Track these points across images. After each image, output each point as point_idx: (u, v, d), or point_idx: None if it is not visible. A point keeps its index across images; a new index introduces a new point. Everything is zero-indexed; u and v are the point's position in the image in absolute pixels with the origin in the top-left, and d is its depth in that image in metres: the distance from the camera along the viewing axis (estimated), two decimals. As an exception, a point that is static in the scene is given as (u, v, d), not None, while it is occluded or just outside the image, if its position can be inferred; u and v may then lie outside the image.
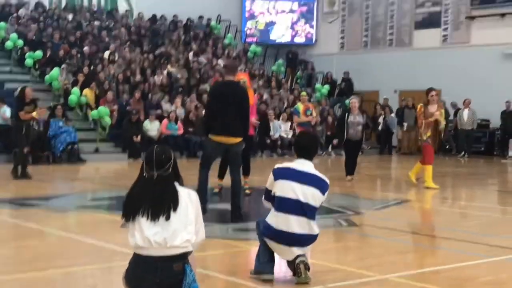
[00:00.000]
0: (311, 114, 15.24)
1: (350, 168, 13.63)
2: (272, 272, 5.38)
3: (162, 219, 4.12)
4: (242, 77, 10.84)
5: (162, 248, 4.10)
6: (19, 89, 13.14)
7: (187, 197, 4.25)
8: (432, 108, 12.40)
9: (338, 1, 27.71)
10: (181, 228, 4.14)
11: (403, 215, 9.75)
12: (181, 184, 4.33)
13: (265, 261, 5.40)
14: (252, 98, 10.56)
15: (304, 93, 16.45)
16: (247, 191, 11.00)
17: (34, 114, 12.54)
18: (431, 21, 24.94)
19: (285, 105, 22.88)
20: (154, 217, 4.14)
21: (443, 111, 12.67)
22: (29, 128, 12.82)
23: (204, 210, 7.70)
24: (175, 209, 4.15)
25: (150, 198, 4.17)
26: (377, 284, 5.44)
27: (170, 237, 4.10)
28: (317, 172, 5.45)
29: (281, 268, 5.45)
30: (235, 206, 8.35)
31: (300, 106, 15.33)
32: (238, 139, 8.34)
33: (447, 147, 22.59)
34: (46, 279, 5.41)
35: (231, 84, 8.45)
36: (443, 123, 12.54)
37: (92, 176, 13.97)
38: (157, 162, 4.21)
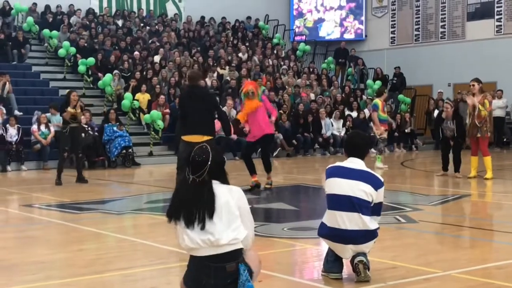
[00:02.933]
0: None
1: (447, 164, 13.33)
2: (340, 271, 5.33)
3: (198, 227, 4.07)
4: (249, 87, 11.28)
5: (212, 247, 4.06)
6: (67, 92, 13.40)
7: (228, 193, 4.14)
8: (475, 99, 12.41)
9: (387, -5, 27.39)
10: (224, 227, 4.08)
11: (462, 210, 9.54)
12: (225, 183, 4.21)
13: (332, 260, 5.36)
14: (256, 103, 11.00)
15: (383, 88, 15.86)
16: (267, 186, 11.27)
17: (69, 108, 12.53)
18: (484, 12, 24.43)
19: (336, 102, 22.70)
20: (188, 224, 4.10)
21: (486, 101, 12.46)
22: (75, 132, 12.78)
23: None
24: (210, 216, 4.07)
25: (186, 204, 4.12)
26: (440, 281, 5.29)
27: (215, 238, 4.05)
28: (368, 169, 5.35)
29: (350, 266, 5.36)
30: None
31: (379, 102, 14.74)
32: (206, 137, 8.93)
33: (505, 140, 22.07)
34: (105, 282, 5.44)
35: (198, 89, 9.49)
36: (481, 110, 12.35)
37: (146, 179, 14.07)
38: (192, 166, 4.13)
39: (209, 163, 4.12)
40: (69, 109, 12.49)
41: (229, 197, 4.14)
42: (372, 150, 15.50)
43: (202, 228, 4.06)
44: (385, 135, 15.01)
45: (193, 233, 4.10)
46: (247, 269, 4.09)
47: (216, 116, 10.24)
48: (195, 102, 9.18)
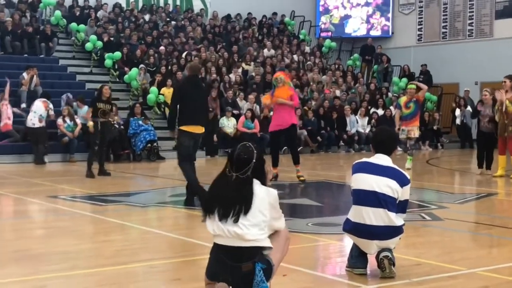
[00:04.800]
0: (414, 105, 14.03)
1: (482, 161, 13.21)
2: (364, 267, 5.31)
3: (231, 220, 4.16)
4: (278, 74, 11.94)
5: (235, 239, 4.15)
6: (100, 86, 13.51)
7: (266, 195, 4.23)
8: (507, 95, 12.34)
9: (414, -8, 27.19)
10: (253, 225, 4.17)
11: (488, 209, 9.45)
12: (264, 184, 4.30)
13: (357, 255, 5.34)
14: (287, 93, 11.36)
15: (411, 85, 14.55)
16: (302, 178, 11.47)
17: (90, 124, 12.90)
18: (512, 10, 24.15)
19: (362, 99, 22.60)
20: (222, 218, 4.19)
21: None
22: (105, 127, 12.87)
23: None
24: (245, 213, 4.15)
25: (224, 199, 4.20)
26: (465, 278, 5.26)
27: (242, 232, 4.14)
28: (395, 166, 5.33)
29: (374, 262, 5.34)
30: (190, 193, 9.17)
31: (402, 99, 14.45)
32: (203, 129, 9.09)
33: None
34: (130, 272, 5.48)
35: (198, 80, 9.43)
36: (510, 107, 12.27)
37: (171, 173, 14.10)
38: (236, 164, 4.22)
39: (253, 161, 4.21)
40: (90, 124, 12.75)
41: (266, 198, 4.22)
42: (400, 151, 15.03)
43: (236, 221, 4.14)
44: (402, 136, 14.11)
45: (222, 224, 4.19)
46: (263, 269, 4.14)
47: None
48: (197, 92, 9.07)
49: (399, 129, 13.96)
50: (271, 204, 4.24)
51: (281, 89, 11.36)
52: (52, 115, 16.16)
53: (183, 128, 9.01)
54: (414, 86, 14.33)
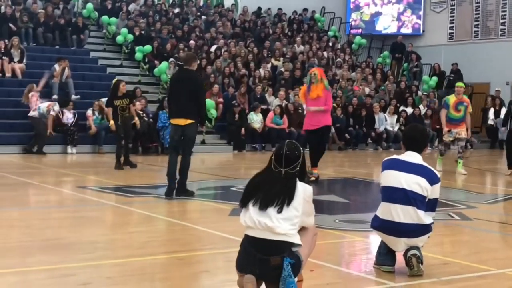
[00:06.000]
0: (464, 110, 12.89)
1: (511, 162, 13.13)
2: (392, 264, 5.29)
3: (270, 209, 4.22)
4: (313, 70, 11.59)
5: (265, 231, 4.21)
6: (114, 81, 13.47)
7: (302, 191, 4.33)
8: None
9: (447, -10, 26.94)
10: (286, 219, 4.23)
11: (518, 210, 9.35)
12: (307, 182, 4.48)
13: (385, 252, 5.32)
14: (321, 91, 11.07)
15: (460, 83, 13.41)
16: (313, 178, 11.10)
17: (111, 123, 13.01)
18: (546, 9, 23.82)
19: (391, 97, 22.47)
20: (263, 207, 4.25)
21: None
22: (127, 122, 12.96)
23: (171, 191, 8.96)
24: (288, 204, 4.24)
25: (267, 190, 4.29)
26: (494, 278, 5.21)
27: (272, 224, 4.20)
28: (426, 164, 5.29)
29: (402, 260, 5.32)
30: (180, 183, 9.17)
31: (451, 99, 13.04)
32: (190, 121, 8.98)
33: None
34: (158, 263, 5.52)
35: (188, 72, 9.22)
36: None
37: (198, 167, 14.15)
38: (286, 160, 4.34)
39: (301, 158, 4.37)
40: (111, 123, 12.95)
41: (302, 194, 4.32)
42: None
43: (279, 211, 4.22)
44: (449, 138, 13.10)
45: (254, 213, 4.25)
46: (292, 264, 4.17)
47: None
48: (182, 85, 9.08)
49: (449, 130, 13.00)
50: (306, 200, 4.32)
51: (316, 86, 11.11)
52: (52, 115, 16.09)
53: (170, 120, 9.47)
54: (463, 85, 13.31)
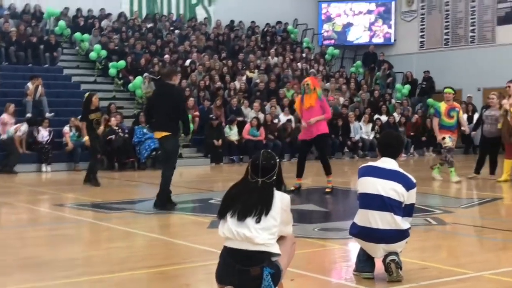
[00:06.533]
0: (457, 116, 12.67)
1: (481, 167, 13.28)
2: (371, 271, 5.32)
3: (248, 220, 4.23)
4: (306, 80, 11.37)
5: (244, 242, 4.21)
6: (86, 95, 13.40)
7: (279, 200, 4.34)
8: (510, 100, 12.42)
9: (416, -1, 27.25)
10: (264, 229, 4.24)
11: (494, 213, 9.45)
12: (284, 190, 4.46)
13: (364, 259, 5.35)
14: (314, 101, 10.89)
15: (448, 89, 12.84)
16: (327, 190, 11.11)
17: (86, 139, 12.91)
18: (514, 16, 24.17)
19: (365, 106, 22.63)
20: (241, 217, 4.26)
21: None
22: (96, 135, 12.89)
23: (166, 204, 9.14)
24: (266, 214, 4.25)
25: (245, 201, 4.29)
26: (473, 281, 5.26)
27: (251, 234, 4.21)
28: (401, 170, 5.34)
29: (381, 266, 5.35)
30: (157, 196, 9.37)
31: (442, 106, 12.76)
32: (166, 133, 9.14)
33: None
34: (137, 279, 5.49)
35: (167, 86, 9.38)
36: None
37: (176, 181, 14.07)
38: (262, 170, 4.36)
39: (277, 167, 4.39)
40: (86, 139, 12.89)
41: (279, 203, 4.33)
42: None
43: (258, 221, 4.22)
44: (449, 144, 12.66)
45: (232, 224, 4.26)
46: (271, 273, 4.18)
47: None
48: (161, 99, 9.30)
49: (444, 138, 12.62)
50: (283, 209, 4.34)
51: (309, 97, 10.92)
52: (18, 136, 15.98)
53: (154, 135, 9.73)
54: (451, 90, 12.82)
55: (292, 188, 10.89)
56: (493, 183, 12.56)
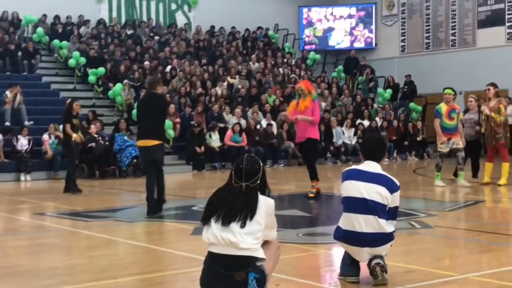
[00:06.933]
0: (457, 118, 12.41)
1: (473, 170, 13.27)
2: (356, 274, 5.28)
3: (233, 224, 4.19)
4: (300, 85, 11.40)
5: (229, 247, 4.17)
6: (67, 101, 13.31)
7: (264, 205, 4.31)
8: (490, 103, 12.45)
9: (397, 4, 27.36)
10: (249, 233, 4.21)
11: (477, 216, 9.46)
12: (268, 195, 4.43)
13: (349, 263, 5.30)
14: (309, 103, 10.88)
15: (448, 90, 12.54)
16: (310, 195, 11.03)
17: (75, 136, 12.67)
18: (494, 19, 24.36)
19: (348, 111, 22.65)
20: (225, 222, 4.22)
21: (501, 106, 12.41)
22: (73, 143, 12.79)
23: (155, 209, 9.21)
24: (251, 219, 4.22)
25: (229, 205, 4.25)
26: (458, 284, 5.23)
27: (236, 239, 4.17)
28: (385, 173, 5.30)
29: (366, 269, 5.30)
30: (158, 201, 9.57)
31: (442, 107, 12.48)
32: (155, 142, 9.28)
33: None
34: (122, 286, 5.39)
35: (153, 96, 9.56)
36: (496, 118, 12.27)
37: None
38: (246, 174, 4.32)
39: (261, 171, 4.36)
40: (75, 136, 12.67)
41: (264, 208, 4.30)
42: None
43: (243, 226, 4.19)
44: (444, 150, 12.47)
45: (216, 229, 4.22)
46: (256, 278, 4.14)
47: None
48: (147, 108, 9.45)
49: (449, 139, 12.37)
50: (268, 213, 4.31)
51: (304, 100, 10.89)
52: None
53: (137, 143, 9.73)
54: (451, 91, 12.53)
55: (311, 195, 10.94)
56: (476, 186, 12.58)
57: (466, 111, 13.49)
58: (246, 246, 4.15)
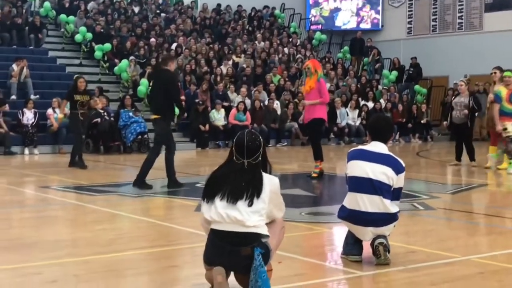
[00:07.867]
0: None
1: (458, 153, 13.16)
2: (359, 254, 5.31)
3: (240, 203, 4.19)
4: (307, 63, 11.38)
5: (235, 224, 4.18)
6: (74, 77, 13.44)
7: (269, 183, 4.30)
8: (496, 86, 12.35)
9: (404, -15, 27.21)
10: (254, 211, 4.21)
11: (479, 199, 9.51)
12: (270, 171, 4.41)
13: (352, 242, 5.34)
14: (314, 83, 10.84)
15: (508, 73, 11.84)
16: (314, 175, 10.98)
17: (60, 116, 13.25)
18: (502, 3, 24.21)
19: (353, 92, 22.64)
20: (232, 200, 4.21)
21: None
22: (84, 115, 12.79)
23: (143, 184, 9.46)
24: (258, 196, 4.21)
25: (234, 183, 4.24)
26: (460, 265, 5.28)
27: (242, 217, 4.17)
28: (391, 153, 5.33)
29: (369, 249, 5.34)
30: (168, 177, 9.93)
31: (502, 91, 11.83)
32: (155, 116, 9.63)
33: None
34: (125, 260, 5.45)
35: (160, 71, 9.94)
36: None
37: (162, 165, 14.07)
38: (247, 150, 4.28)
39: (262, 147, 4.32)
40: (60, 116, 13.00)
41: (269, 186, 4.29)
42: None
43: (250, 205, 4.18)
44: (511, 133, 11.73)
45: (221, 207, 4.21)
46: (262, 253, 4.16)
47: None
48: (155, 83, 9.98)
49: (505, 128, 11.74)
50: (273, 191, 4.30)
51: (310, 79, 10.88)
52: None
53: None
54: (510, 73, 11.85)
55: (314, 175, 10.92)
56: (478, 169, 12.60)
57: (457, 95, 13.36)
58: (252, 224, 4.18)
